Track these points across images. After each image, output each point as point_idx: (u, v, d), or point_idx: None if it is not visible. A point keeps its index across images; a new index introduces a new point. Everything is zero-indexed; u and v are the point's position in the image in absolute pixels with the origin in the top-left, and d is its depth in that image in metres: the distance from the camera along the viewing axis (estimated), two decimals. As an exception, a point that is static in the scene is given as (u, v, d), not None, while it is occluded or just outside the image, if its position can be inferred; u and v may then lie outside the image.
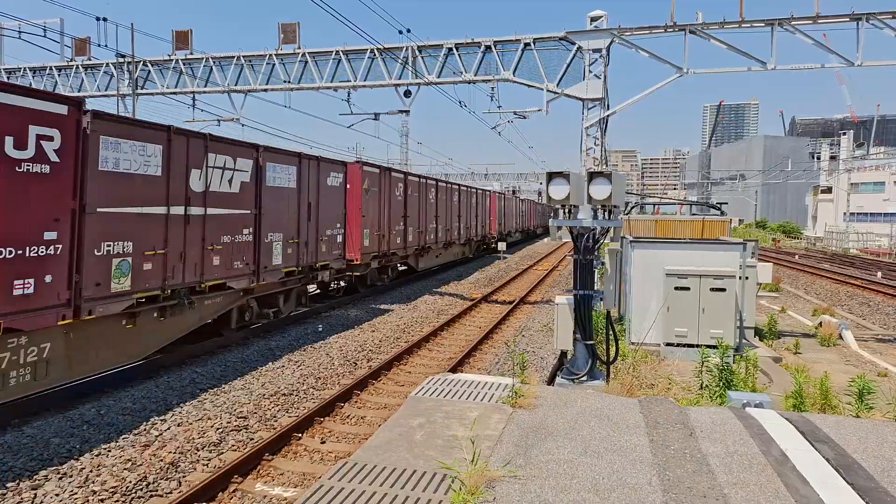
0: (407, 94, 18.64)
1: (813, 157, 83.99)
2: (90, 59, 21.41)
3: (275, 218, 13.27)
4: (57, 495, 6.19)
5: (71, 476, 6.62)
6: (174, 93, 20.48)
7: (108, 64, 21.07)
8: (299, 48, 18.89)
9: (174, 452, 7.27)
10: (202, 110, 20.79)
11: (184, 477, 6.81)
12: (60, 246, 7.90)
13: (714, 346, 9.60)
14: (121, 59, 20.37)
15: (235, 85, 19.71)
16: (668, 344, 11.21)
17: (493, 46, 17.42)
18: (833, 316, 16.72)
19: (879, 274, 29.63)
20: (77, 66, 21.54)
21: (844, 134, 79.95)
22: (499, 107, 18.12)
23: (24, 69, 22.21)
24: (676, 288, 11.11)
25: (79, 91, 21.23)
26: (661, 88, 16.25)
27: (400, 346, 13.34)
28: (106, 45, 19.28)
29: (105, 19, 19.06)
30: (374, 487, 4.53)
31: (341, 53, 18.62)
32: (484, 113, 18.83)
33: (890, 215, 58.37)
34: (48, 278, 7.73)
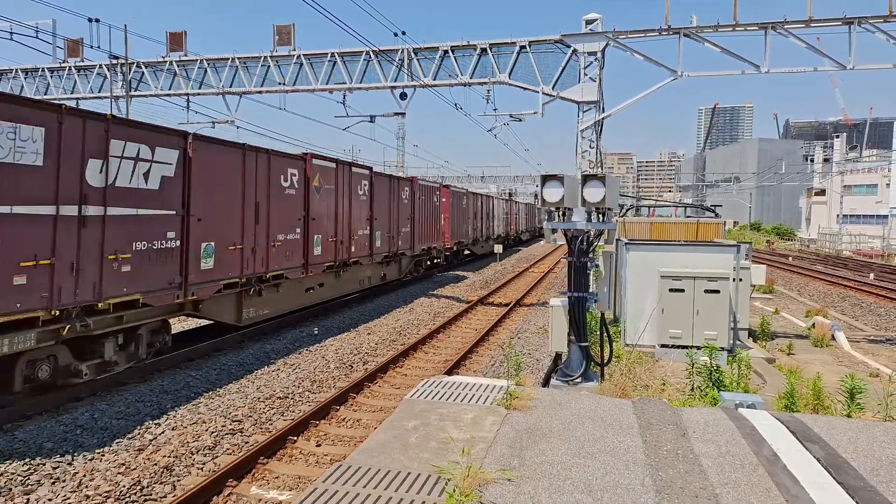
0: (403, 96, 18.68)
1: (806, 160, 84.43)
2: (83, 61, 21.35)
3: None
4: (50, 500, 6.17)
5: (64, 481, 6.59)
6: (168, 94, 20.46)
7: (101, 65, 21.01)
8: (294, 50, 18.90)
9: (168, 456, 7.25)
10: (196, 112, 20.78)
11: (178, 481, 6.79)
12: None
13: (701, 348, 9.63)
14: (114, 61, 20.33)
15: (230, 87, 19.70)
16: (662, 345, 11.24)
17: (488, 49, 17.48)
18: (826, 317, 16.79)
19: (872, 275, 29.79)
20: (70, 68, 21.47)
21: (837, 137, 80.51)
22: (494, 109, 18.19)
23: (16, 71, 22.12)
24: (671, 290, 11.14)
25: (72, 92, 21.18)
26: (655, 91, 16.36)
27: (396, 348, 13.34)
28: (99, 47, 19.27)
29: (97, 20, 19.02)
30: (368, 490, 4.53)
31: (336, 55, 18.64)
32: (480, 115, 18.88)
33: (882, 217, 58.77)
34: None
